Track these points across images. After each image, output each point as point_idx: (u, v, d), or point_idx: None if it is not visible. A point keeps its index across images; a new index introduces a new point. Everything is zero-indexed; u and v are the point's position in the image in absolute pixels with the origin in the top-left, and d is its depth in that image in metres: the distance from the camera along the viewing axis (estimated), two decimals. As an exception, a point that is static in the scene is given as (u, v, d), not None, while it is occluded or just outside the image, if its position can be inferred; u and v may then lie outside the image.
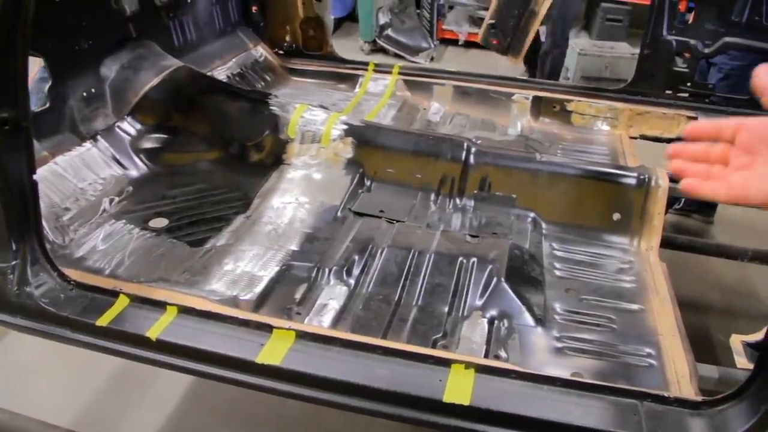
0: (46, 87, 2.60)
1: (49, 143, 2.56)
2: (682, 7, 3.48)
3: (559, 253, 2.59)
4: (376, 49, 8.06)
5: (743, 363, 1.93)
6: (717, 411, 1.56)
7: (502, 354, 2.01)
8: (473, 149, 2.85)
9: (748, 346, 1.99)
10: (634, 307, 2.28)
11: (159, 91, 2.94)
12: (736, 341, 2.02)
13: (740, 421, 1.50)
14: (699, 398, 1.65)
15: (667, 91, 3.52)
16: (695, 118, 3.39)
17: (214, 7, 3.81)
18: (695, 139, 1.15)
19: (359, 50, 8.08)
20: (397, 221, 2.67)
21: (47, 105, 2.58)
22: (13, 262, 1.89)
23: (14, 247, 1.88)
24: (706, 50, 3.36)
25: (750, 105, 3.32)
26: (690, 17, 3.53)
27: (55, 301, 1.90)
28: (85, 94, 2.77)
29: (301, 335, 1.79)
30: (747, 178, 1.06)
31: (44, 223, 2.09)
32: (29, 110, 1.81)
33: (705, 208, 4.49)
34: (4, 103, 1.72)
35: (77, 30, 2.71)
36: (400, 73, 3.96)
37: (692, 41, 3.35)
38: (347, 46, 7.74)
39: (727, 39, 3.33)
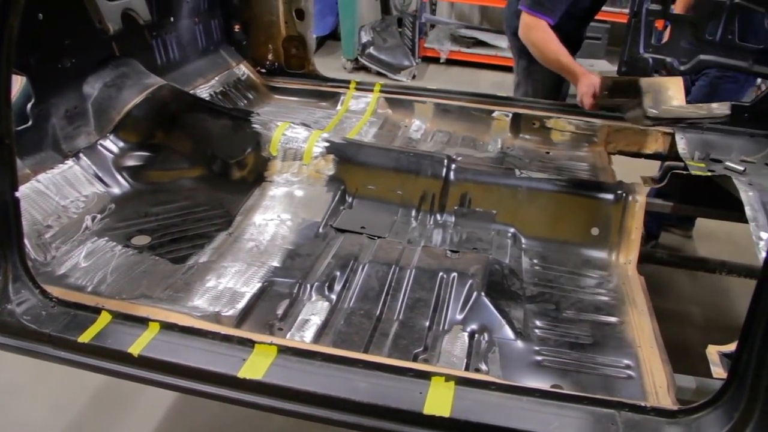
0: (29, 105, 2.61)
1: (31, 161, 2.57)
2: (659, 25, 3.54)
3: (538, 268, 2.62)
4: (359, 67, 8.11)
5: (719, 373, 1.94)
6: (693, 419, 1.59)
7: (483, 367, 2.03)
8: (453, 166, 2.89)
9: (724, 356, 2.01)
10: (613, 320, 2.32)
11: (142, 109, 2.96)
12: (713, 352, 2.04)
13: (715, 428, 1.53)
14: (675, 407, 1.68)
15: (644, 108, 3.57)
16: (672, 135, 3.44)
17: (196, 26, 3.83)
18: None
19: (341, 68, 8.12)
20: (379, 237, 2.69)
21: (30, 123, 2.59)
22: (-5, 280, 1.89)
23: (-5, 265, 1.88)
24: (682, 68, 3.42)
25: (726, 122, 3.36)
26: (666, 35, 3.59)
27: (36, 318, 1.90)
28: (67, 112, 2.78)
29: (283, 350, 1.80)
30: None
31: (26, 241, 2.09)
32: (12, 128, 1.82)
33: (684, 222, 4.54)
34: (-14, 121, 1.74)
35: (60, 48, 2.73)
36: (381, 91, 4.00)
37: (668, 59, 3.40)
38: (330, 64, 7.79)
39: (702, 57, 3.39)
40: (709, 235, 4.56)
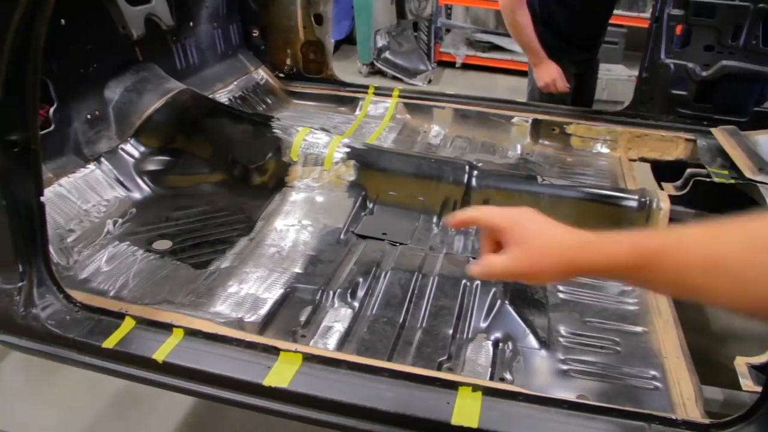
0: (51, 109, 2.62)
1: (53, 165, 2.58)
2: (679, 30, 3.51)
3: (561, 276, 2.58)
4: (374, 72, 8.10)
5: (749, 385, 1.92)
6: (725, 434, 1.57)
7: (508, 376, 2.01)
8: (475, 172, 2.87)
9: (753, 368, 1.99)
10: (638, 329, 2.28)
11: (162, 114, 2.97)
12: (741, 363, 2.01)
13: (749, 443, 1.51)
14: (707, 420, 1.65)
15: (666, 114, 3.54)
16: (694, 141, 3.41)
17: (215, 31, 3.84)
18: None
19: (357, 72, 8.11)
20: (400, 244, 2.68)
21: (52, 127, 2.59)
22: (20, 284, 1.89)
23: (21, 269, 1.88)
24: (704, 74, 3.39)
25: (749, 126, 3.33)
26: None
27: (61, 323, 1.90)
28: (89, 116, 2.79)
29: (308, 358, 1.79)
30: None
31: (49, 245, 2.09)
32: (38, 134, 1.82)
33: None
34: (14, 127, 1.74)
35: (83, 53, 2.74)
36: (400, 96, 3.99)
37: (690, 64, 3.38)
38: (345, 68, 7.78)
39: (725, 62, 3.36)
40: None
